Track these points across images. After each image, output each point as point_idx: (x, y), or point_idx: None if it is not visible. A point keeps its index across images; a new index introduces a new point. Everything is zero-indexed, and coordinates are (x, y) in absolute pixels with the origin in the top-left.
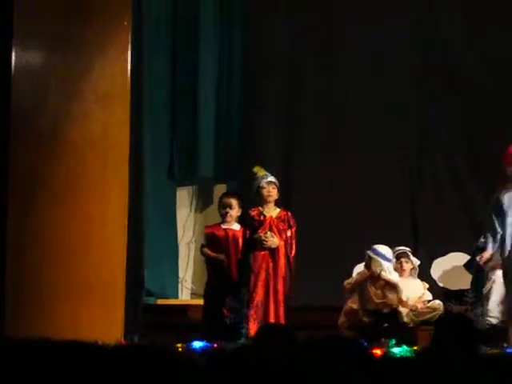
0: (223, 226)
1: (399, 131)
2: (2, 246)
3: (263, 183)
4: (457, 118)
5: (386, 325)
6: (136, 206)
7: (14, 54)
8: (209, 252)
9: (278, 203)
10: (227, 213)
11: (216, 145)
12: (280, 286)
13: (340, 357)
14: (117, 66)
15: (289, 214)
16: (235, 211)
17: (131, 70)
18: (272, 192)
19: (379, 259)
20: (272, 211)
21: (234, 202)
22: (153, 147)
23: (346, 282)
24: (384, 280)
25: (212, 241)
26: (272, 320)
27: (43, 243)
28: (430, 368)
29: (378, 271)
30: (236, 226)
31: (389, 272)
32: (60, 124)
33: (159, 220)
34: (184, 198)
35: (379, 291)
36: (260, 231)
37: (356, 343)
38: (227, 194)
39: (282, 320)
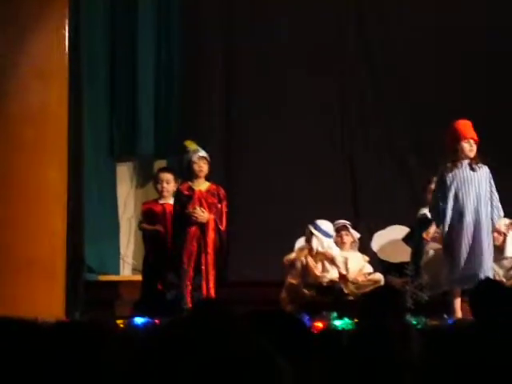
0: (160, 202)
1: (337, 104)
2: None
3: (195, 158)
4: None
5: (327, 298)
6: (76, 182)
7: None
8: (146, 226)
9: (208, 178)
10: (163, 187)
11: (156, 121)
12: (210, 260)
13: (268, 330)
14: (54, 41)
15: (219, 187)
16: (171, 186)
17: (69, 45)
18: (203, 167)
19: (319, 235)
20: (201, 185)
21: (170, 176)
22: (92, 123)
23: (285, 258)
24: (323, 254)
25: (149, 216)
26: (204, 294)
27: None
28: (362, 339)
29: (320, 248)
30: (173, 201)
31: (329, 247)
32: None
33: (99, 196)
34: (124, 174)
35: (319, 265)
36: (189, 206)
37: (289, 316)
38: (163, 169)
39: (213, 294)
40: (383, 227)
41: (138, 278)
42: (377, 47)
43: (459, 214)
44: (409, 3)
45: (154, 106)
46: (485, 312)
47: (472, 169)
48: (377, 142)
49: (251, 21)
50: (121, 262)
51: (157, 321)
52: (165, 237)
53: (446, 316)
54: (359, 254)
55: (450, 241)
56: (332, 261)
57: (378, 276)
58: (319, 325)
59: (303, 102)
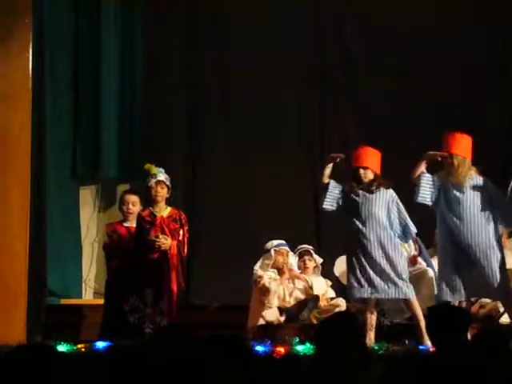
0: (125, 224)
1: (301, 128)
2: None
3: (151, 183)
4: (355, 117)
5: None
6: (38, 206)
7: None
8: (109, 243)
9: (169, 203)
10: (129, 209)
11: (119, 145)
12: (173, 285)
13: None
14: (18, 65)
15: (180, 212)
16: (137, 208)
17: (32, 69)
18: (160, 192)
19: (292, 254)
20: (163, 211)
21: (135, 198)
22: (55, 147)
23: (259, 279)
24: (295, 274)
25: (113, 238)
26: (167, 319)
27: None
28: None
29: (296, 268)
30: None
31: (294, 265)
32: None
33: (62, 220)
34: (87, 198)
35: (291, 286)
36: (152, 233)
37: (241, 341)
38: (129, 191)
39: (175, 319)
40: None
41: (101, 301)
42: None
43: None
44: (390, 13)
45: (117, 130)
46: (442, 337)
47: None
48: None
49: (215, 45)
50: (83, 285)
51: (118, 345)
52: (127, 259)
53: (407, 341)
54: (322, 279)
55: None
56: (302, 280)
57: (341, 300)
58: (281, 350)
59: (268, 127)
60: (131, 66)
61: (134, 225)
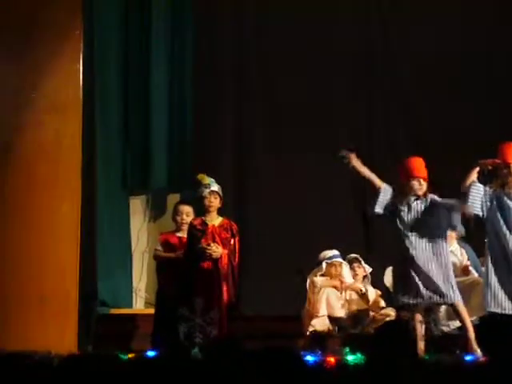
0: (177, 234)
1: (351, 131)
2: None
3: (205, 193)
4: (405, 118)
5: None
6: (89, 216)
7: None
8: (160, 254)
9: (220, 212)
10: (182, 220)
11: (169, 154)
12: (224, 295)
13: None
14: (69, 76)
15: (232, 222)
16: (190, 218)
17: (83, 80)
18: (214, 202)
19: (345, 264)
20: (214, 220)
21: (189, 209)
22: (106, 157)
23: (314, 286)
24: (346, 286)
25: (166, 248)
26: (217, 329)
27: None
28: (376, 375)
29: (349, 280)
30: None
31: (348, 276)
32: (12, 134)
33: (113, 230)
34: (137, 207)
35: (343, 297)
36: (203, 241)
37: (289, 352)
38: (183, 202)
39: (225, 329)
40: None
41: (151, 311)
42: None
43: None
44: (433, 16)
45: (168, 140)
46: (494, 347)
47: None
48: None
49: (262, 54)
50: (134, 295)
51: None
52: (178, 270)
53: (458, 351)
54: (372, 289)
55: None
56: (360, 293)
57: (390, 311)
58: (331, 360)
59: (317, 135)
60: (180, 77)
61: (186, 235)
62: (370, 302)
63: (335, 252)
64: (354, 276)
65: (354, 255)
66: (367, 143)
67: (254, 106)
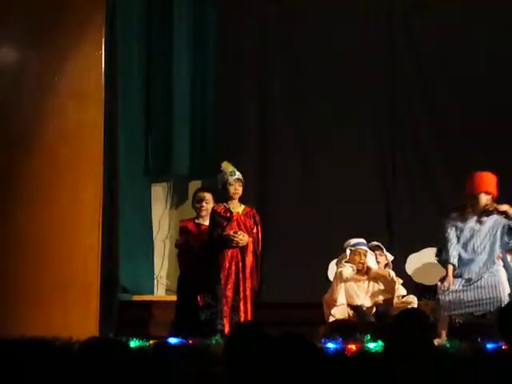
0: (197, 221)
1: (374, 129)
2: None
3: (231, 180)
4: (429, 117)
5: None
6: (110, 202)
7: None
8: (180, 240)
9: (242, 199)
10: (202, 207)
11: (191, 142)
12: (248, 283)
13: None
14: (91, 63)
15: (254, 210)
16: (210, 205)
17: (105, 67)
18: (238, 189)
19: (370, 253)
20: (238, 207)
21: (209, 196)
22: (127, 144)
23: (340, 273)
24: (377, 273)
25: (184, 234)
26: (241, 316)
27: (16, 242)
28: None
29: (375, 267)
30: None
31: (373, 264)
32: (34, 120)
33: (134, 216)
34: (159, 195)
35: (368, 284)
36: (228, 229)
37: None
38: (202, 189)
39: (250, 316)
40: (417, 249)
41: (172, 298)
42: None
43: None
44: (460, 16)
45: (190, 127)
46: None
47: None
48: (412, 167)
49: (287, 45)
50: (155, 282)
51: (190, 341)
52: (199, 256)
53: (479, 340)
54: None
55: None
56: (389, 278)
57: (412, 297)
58: (352, 347)
59: (343, 125)
60: (203, 62)
61: (206, 222)
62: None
63: (361, 240)
64: (377, 263)
65: (375, 243)
66: (389, 143)
67: (278, 92)
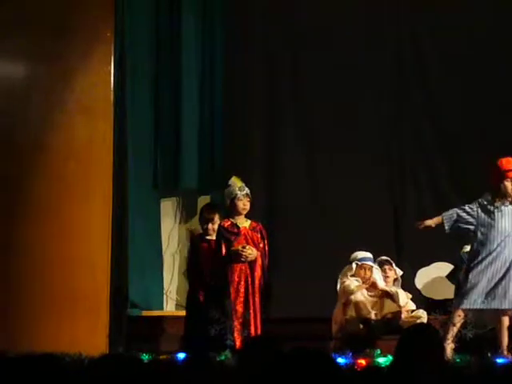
0: (207, 237)
1: (382, 143)
2: None
3: (240, 195)
4: (436, 134)
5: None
6: (120, 217)
7: None
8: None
9: (249, 216)
10: (209, 227)
11: (199, 156)
12: (257, 297)
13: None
14: (100, 78)
15: (260, 225)
16: (216, 224)
17: (114, 83)
18: (247, 205)
19: (377, 270)
20: (244, 222)
21: (215, 216)
22: (136, 159)
23: (346, 289)
24: (381, 290)
25: (195, 249)
26: (252, 330)
27: (26, 256)
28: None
29: (382, 285)
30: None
31: (379, 279)
32: (43, 135)
33: (143, 231)
34: (168, 209)
35: (376, 299)
36: (236, 244)
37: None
38: (208, 208)
39: (260, 330)
40: (427, 264)
41: (182, 313)
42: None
43: None
44: (463, 13)
45: (198, 142)
46: None
47: None
48: (420, 180)
49: (293, 50)
50: (164, 297)
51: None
52: (208, 272)
53: (490, 354)
54: (402, 292)
55: None
56: (390, 295)
57: (422, 312)
58: (362, 362)
59: (348, 137)
60: (211, 78)
61: (214, 237)
62: (402, 305)
63: (367, 254)
64: (385, 278)
65: (384, 257)
66: (396, 142)
67: (285, 107)
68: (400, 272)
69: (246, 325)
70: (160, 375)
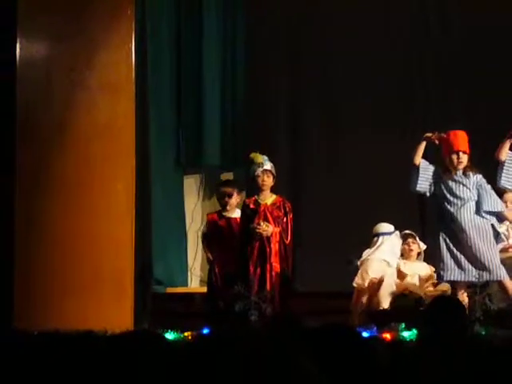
0: (224, 214)
1: (407, 116)
2: (11, 238)
3: (258, 171)
4: (462, 105)
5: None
6: (143, 195)
7: (18, 46)
8: (204, 246)
9: (275, 191)
10: (226, 202)
11: (222, 133)
12: (275, 272)
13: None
14: (121, 55)
15: (285, 200)
16: (234, 199)
17: (135, 59)
18: (266, 181)
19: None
20: (267, 199)
21: (231, 190)
22: (158, 136)
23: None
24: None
25: (213, 228)
26: (269, 305)
27: (50, 235)
28: (426, 350)
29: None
30: (237, 213)
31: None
32: (65, 114)
33: (167, 209)
34: (191, 187)
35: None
36: (255, 220)
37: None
38: (224, 184)
39: (278, 306)
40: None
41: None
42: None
43: None
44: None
45: (220, 118)
46: None
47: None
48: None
49: (316, 30)
50: (189, 274)
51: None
52: (229, 248)
53: None
54: (425, 264)
55: None
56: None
57: (446, 286)
58: (387, 336)
59: (373, 112)
60: (233, 52)
61: (233, 215)
62: (425, 278)
63: (387, 228)
64: (409, 251)
65: (408, 231)
66: (422, 119)
67: (308, 81)
68: (423, 246)
69: (266, 301)
70: (185, 351)
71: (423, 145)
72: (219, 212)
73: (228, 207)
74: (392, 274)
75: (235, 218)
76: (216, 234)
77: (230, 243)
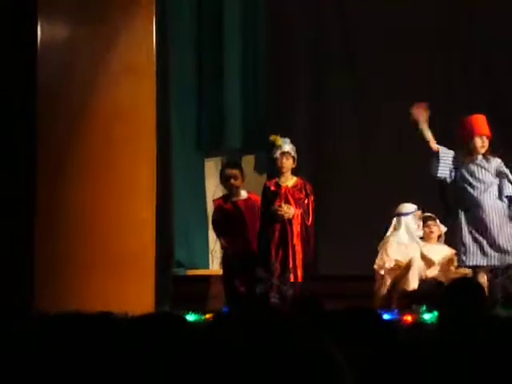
0: (231, 199)
1: (434, 91)
2: (32, 219)
3: (277, 154)
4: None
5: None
6: (164, 177)
7: (39, 28)
8: (216, 233)
9: (296, 173)
10: (232, 184)
11: (243, 115)
12: (297, 254)
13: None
14: (142, 37)
15: (306, 182)
16: (239, 181)
17: (156, 41)
18: (286, 163)
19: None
20: (288, 181)
21: (236, 172)
22: (180, 119)
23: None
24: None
25: (221, 213)
26: (292, 289)
27: (72, 216)
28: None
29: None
30: (243, 195)
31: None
32: (87, 96)
33: (188, 191)
34: (212, 169)
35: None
36: (276, 203)
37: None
38: (229, 165)
39: (301, 289)
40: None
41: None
42: None
43: None
44: None
45: (242, 101)
46: None
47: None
48: None
49: (339, 13)
50: (210, 256)
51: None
52: (239, 232)
53: None
54: (446, 247)
55: None
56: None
57: (467, 270)
58: (408, 318)
59: (394, 92)
60: (254, 33)
61: (240, 198)
62: (445, 262)
63: (406, 208)
64: (430, 234)
65: (428, 214)
66: (445, 105)
67: (331, 63)
68: (444, 228)
69: (287, 284)
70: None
71: (425, 126)
72: (224, 196)
73: (234, 189)
74: (418, 257)
75: (242, 200)
76: (225, 219)
77: (238, 226)
